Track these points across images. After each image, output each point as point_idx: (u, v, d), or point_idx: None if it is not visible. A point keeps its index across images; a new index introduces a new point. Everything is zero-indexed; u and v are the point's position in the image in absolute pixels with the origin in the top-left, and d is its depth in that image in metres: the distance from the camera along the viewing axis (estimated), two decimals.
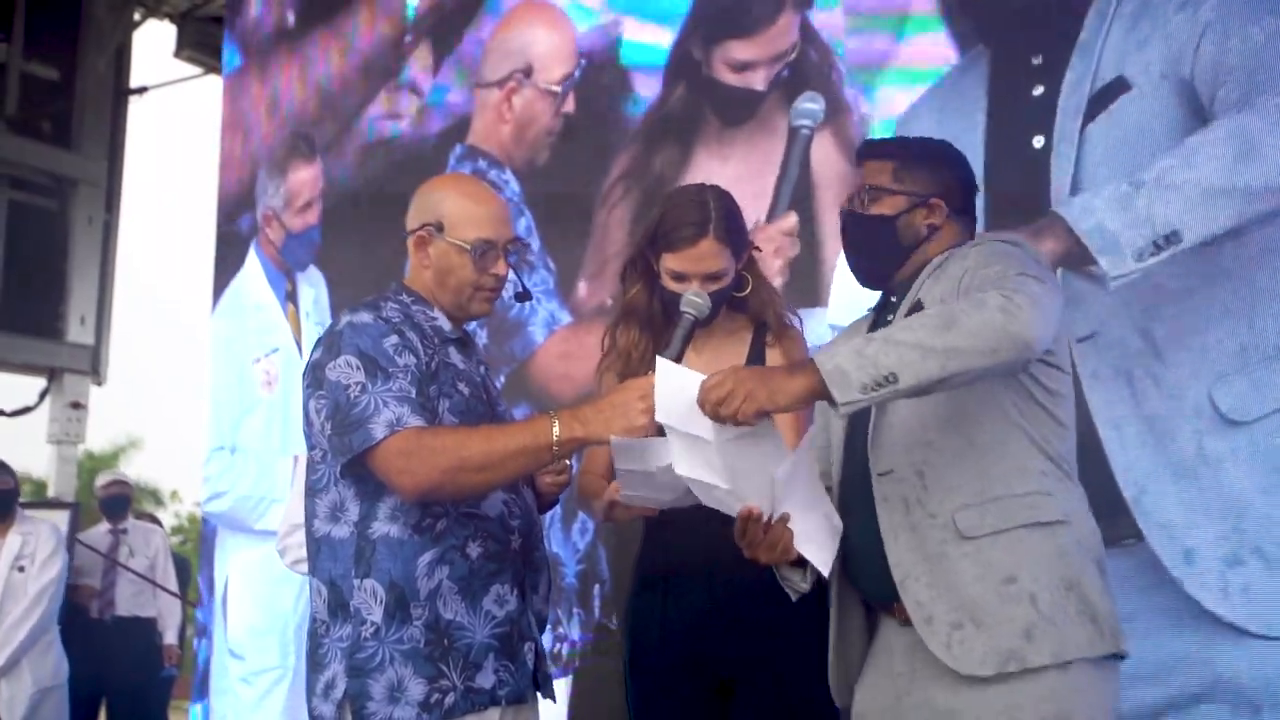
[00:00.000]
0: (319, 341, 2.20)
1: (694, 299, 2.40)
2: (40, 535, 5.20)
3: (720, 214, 2.50)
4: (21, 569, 5.08)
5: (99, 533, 6.64)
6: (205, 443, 6.38)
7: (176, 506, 22.46)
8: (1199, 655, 3.02)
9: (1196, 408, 3.09)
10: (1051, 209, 3.38)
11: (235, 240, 6.32)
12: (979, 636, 1.92)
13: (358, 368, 2.10)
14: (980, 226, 2.27)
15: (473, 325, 2.46)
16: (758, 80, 4.18)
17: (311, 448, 2.20)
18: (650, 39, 4.52)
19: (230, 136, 6.47)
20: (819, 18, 4.07)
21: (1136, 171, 3.23)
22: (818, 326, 3.67)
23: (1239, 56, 3.10)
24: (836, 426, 2.18)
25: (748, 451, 1.93)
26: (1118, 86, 3.32)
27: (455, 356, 2.25)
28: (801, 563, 2.06)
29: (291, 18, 6.19)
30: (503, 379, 4.60)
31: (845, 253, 2.26)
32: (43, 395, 9.76)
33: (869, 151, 2.24)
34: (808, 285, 3.92)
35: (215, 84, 7.72)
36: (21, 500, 5.50)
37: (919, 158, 2.18)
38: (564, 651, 4.35)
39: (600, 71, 4.68)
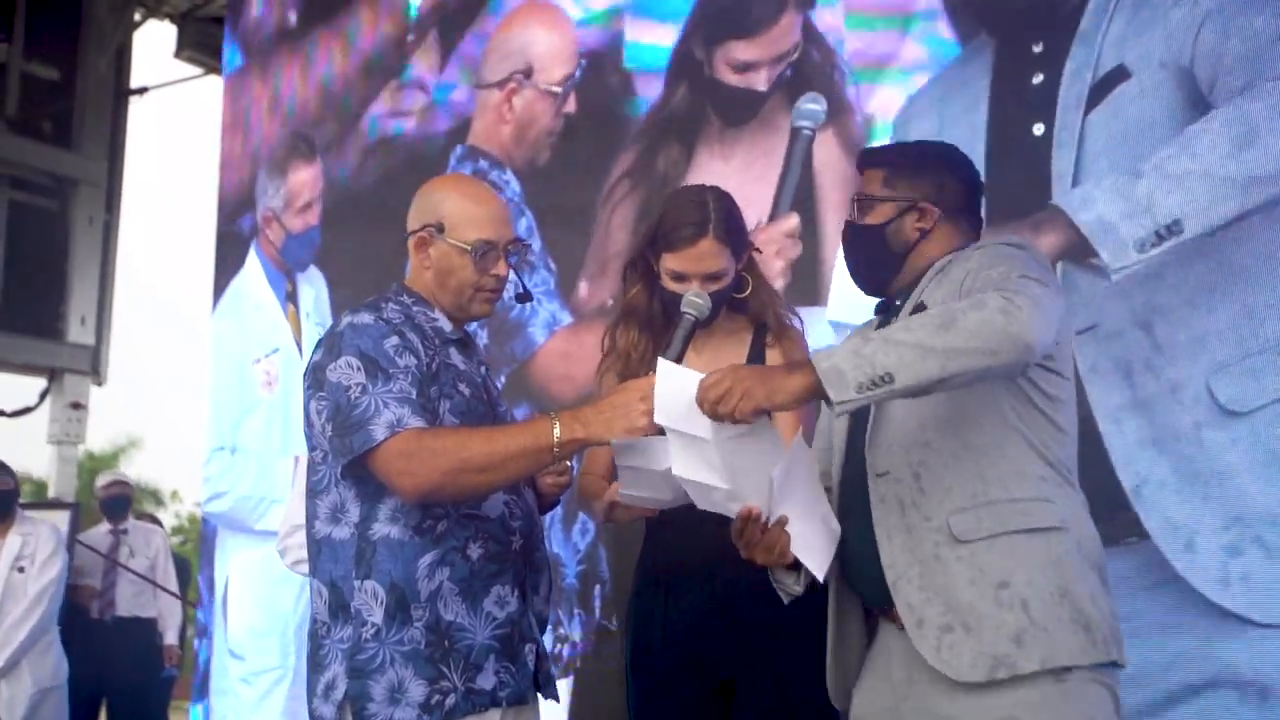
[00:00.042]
0: (320, 343, 2.20)
1: (695, 299, 2.40)
2: (40, 536, 5.19)
3: (720, 214, 2.50)
4: (21, 570, 5.08)
5: (99, 533, 6.64)
6: (205, 443, 6.38)
7: (177, 507, 22.49)
8: (1201, 649, 3.01)
9: (1195, 398, 3.09)
10: (1052, 201, 3.39)
11: (236, 240, 6.32)
12: (968, 641, 1.91)
13: (358, 369, 2.10)
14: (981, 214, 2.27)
15: (473, 326, 2.46)
16: (760, 80, 4.18)
17: (312, 449, 2.20)
18: (652, 39, 4.51)
19: (231, 136, 6.47)
20: (821, 18, 4.07)
21: (1136, 161, 3.23)
22: (818, 326, 3.67)
23: (1239, 45, 3.10)
24: (839, 428, 2.17)
25: (746, 451, 1.93)
26: (1117, 75, 3.32)
27: (456, 357, 2.24)
28: (796, 565, 2.06)
29: (293, 17, 6.19)
30: (503, 380, 4.59)
31: (845, 262, 2.27)
32: (43, 395, 9.77)
33: (865, 161, 2.25)
34: (809, 285, 3.92)
35: (216, 84, 7.73)
36: (22, 501, 5.50)
37: (911, 163, 2.19)
38: (565, 652, 4.35)
39: (602, 72, 4.68)
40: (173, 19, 9.57)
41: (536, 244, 4.64)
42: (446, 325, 2.26)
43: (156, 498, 21.48)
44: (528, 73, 4.91)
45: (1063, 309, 1.97)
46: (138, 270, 28.11)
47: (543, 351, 4.68)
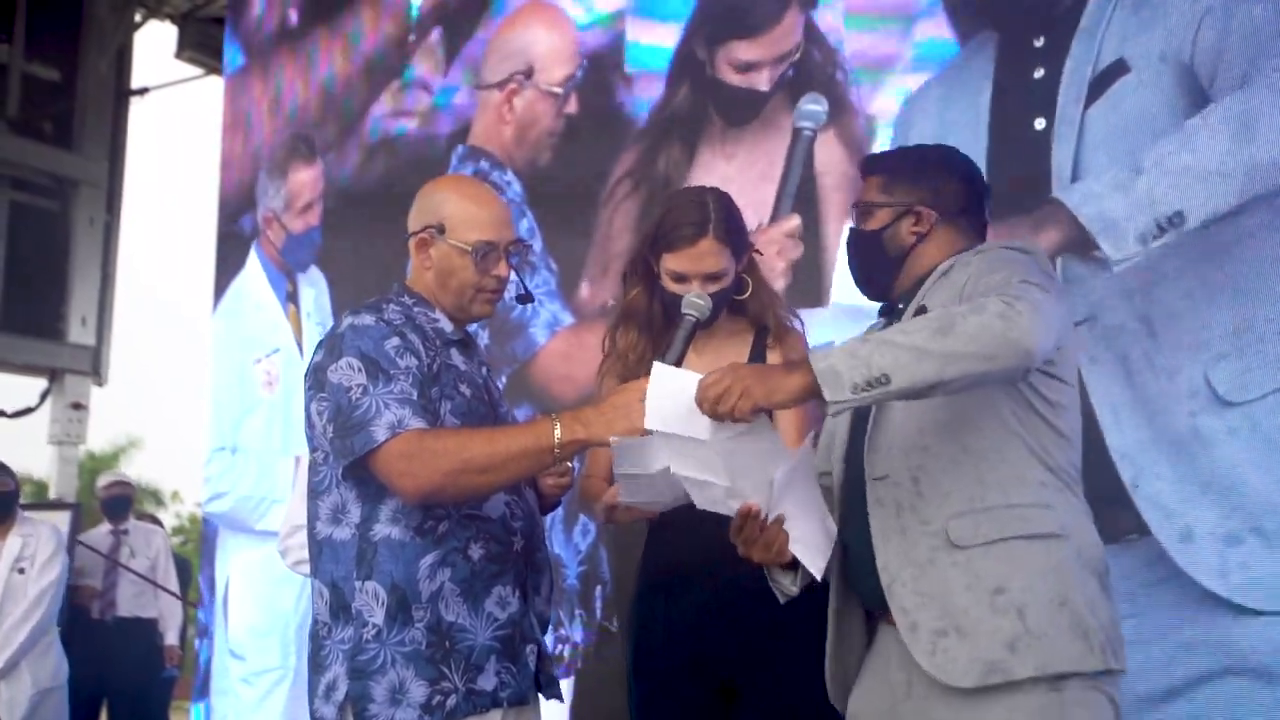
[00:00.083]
0: (321, 343, 2.20)
1: (695, 300, 2.40)
2: (40, 537, 5.19)
3: (720, 214, 2.50)
4: (21, 571, 5.07)
5: (100, 533, 6.64)
6: (206, 443, 6.38)
7: (177, 507, 22.47)
8: (1204, 640, 3.01)
9: (1192, 388, 3.08)
10: (1052, 195, 3.39)
11: (236, 241, 6.32)
12: (962, 646, 1.90)
13: (359, 370, 2.10)
14: None
15: (474, 326, 2.46)
16: (761, 80, 4.18)
17: (313, 450, 2.20)
18: (653, 39, 4.51)
19: (231, 137, 6.47)
20: (823, 18, 4.07)
21: (1135, 154, 3.24)
22: (820, 327, 3.66)
23: (1238, 40, 3.11)
24: (840, 430, 2.17)
25: (746, 450, 1.93)
26: (1117, 69, 3.33)
27: (457, 358, 2.24)
28: (793, 565, 2.06)
29: (294, 17, 6.19)
30: (504, 380, 4.59)
31: (848, 267, 2.28)
32: (44, 396, 9.77)
33: (866, 167, 2.26)
34: (810, 286, 3.92)
35: (216, 85, 7.73)
36: (22, 501, 5.50)
37: (909, 168, 2.19)
38: (566, 653, 4.35)
39: (603, 72, 4.67)
40: (173, 19, 9.57)
41: (538, 245, 4.64)
42: (447, 326, 2.26)
43: (157, 498, 21.47)
44: (529, 73, 4.91)
45: (1065, 314, 1.96)
46: (138, 271, 28.18)
47: (544, 352, 4.68)
